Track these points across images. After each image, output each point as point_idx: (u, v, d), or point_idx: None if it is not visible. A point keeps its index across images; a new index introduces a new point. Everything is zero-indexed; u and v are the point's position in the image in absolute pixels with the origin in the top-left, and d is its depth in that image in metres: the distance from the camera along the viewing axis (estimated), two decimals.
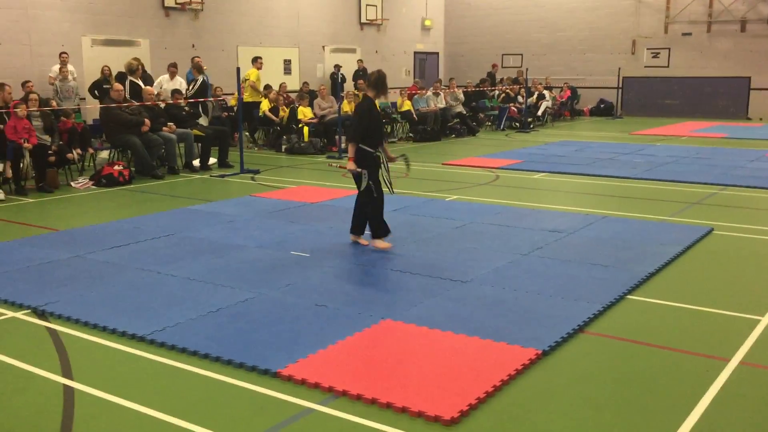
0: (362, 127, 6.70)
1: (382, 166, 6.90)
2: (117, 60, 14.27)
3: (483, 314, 5.08)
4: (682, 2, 23.23)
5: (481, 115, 20.31)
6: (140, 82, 13.01)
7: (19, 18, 14.69)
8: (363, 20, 23.19)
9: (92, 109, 13.94)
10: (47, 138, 10.57)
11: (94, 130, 12.67)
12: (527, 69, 21.02)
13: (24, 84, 12.57)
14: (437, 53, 27.02)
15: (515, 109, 20.11)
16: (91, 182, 10.66)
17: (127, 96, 12.08)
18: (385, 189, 6.91)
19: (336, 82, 16.26)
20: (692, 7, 23.11)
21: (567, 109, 23.17)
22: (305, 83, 18.57)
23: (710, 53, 23.14)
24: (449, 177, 11.47)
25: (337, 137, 14.53)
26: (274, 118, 15.43)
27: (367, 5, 23.17)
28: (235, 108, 14.40)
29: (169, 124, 11.94)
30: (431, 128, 17.22)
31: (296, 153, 14.49)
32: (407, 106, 17.37)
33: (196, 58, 14.45)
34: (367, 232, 6.98)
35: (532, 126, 20.03)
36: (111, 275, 6.02)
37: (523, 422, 3.63)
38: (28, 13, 14.81)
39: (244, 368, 4.20)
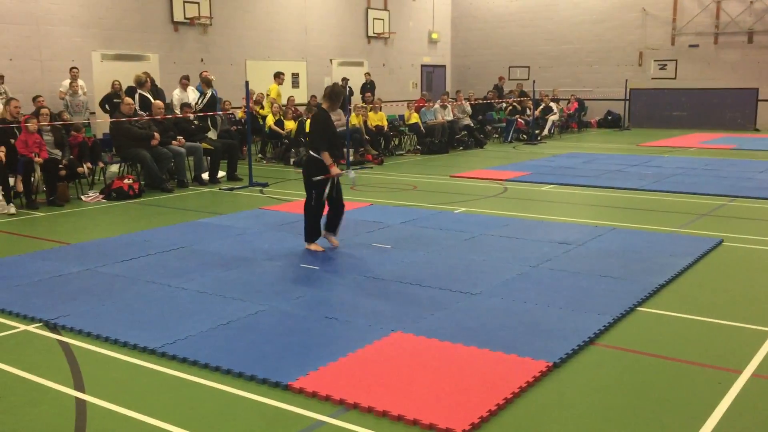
0: (326, 135, 7.13)
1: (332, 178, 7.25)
2: (127, 74, 14.38)
3: (493, 326, 5.08)
4: (689, 14, 23.27)
5: (489, 128, 20.35)
6: (149, 96, 13.11)
7: (31, 34, 14.86)
8: (370, 33, 23.33)
9: (102, 123, 14.06)
10: (58, 152, 10.64)
11: (105, 144, 12.74)
12: (534, 81, 21.02)
13: (35, 99, 12.70)
14: (444, 66, 27.13)
15: (522, 122, 20.14)
16: (102, 196, 10.72)
17: (138, 109, 12.16)
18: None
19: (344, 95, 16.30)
20: (699, 19, 23.14)
21: (574, 121, 23.18)
22: (313, 96, 18.65)
23: (717, 65, 23.13)
24: (457, 189, 11.48)
25: (345, 150, 14.55)
26: (280, 131, 15.49)
27: (374, 19, 23.32)
28: (243, 121, 14.47)
29: (178, 137, 12.01)
30: (439, 141, 17.25)
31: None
32: (415, 118, 17.41)
33: (205, 72, 14.54)
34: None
35: (539, 138, 20.05)
36: (122, 288, 6.05)
37: None
38: (40, 29, 14.98)
39: (255, 381, 4.21)
